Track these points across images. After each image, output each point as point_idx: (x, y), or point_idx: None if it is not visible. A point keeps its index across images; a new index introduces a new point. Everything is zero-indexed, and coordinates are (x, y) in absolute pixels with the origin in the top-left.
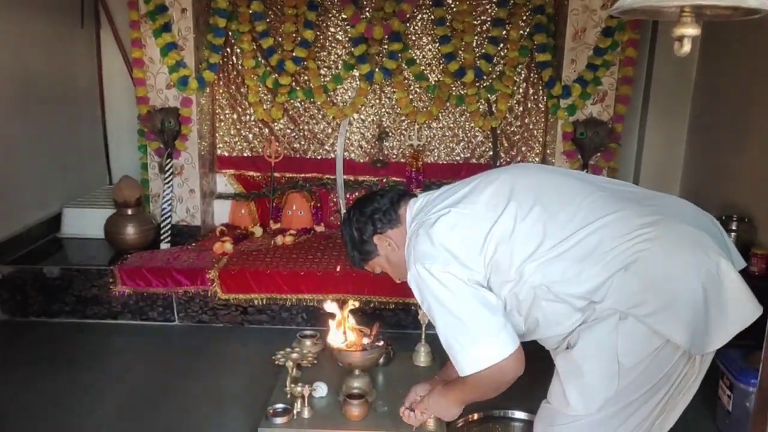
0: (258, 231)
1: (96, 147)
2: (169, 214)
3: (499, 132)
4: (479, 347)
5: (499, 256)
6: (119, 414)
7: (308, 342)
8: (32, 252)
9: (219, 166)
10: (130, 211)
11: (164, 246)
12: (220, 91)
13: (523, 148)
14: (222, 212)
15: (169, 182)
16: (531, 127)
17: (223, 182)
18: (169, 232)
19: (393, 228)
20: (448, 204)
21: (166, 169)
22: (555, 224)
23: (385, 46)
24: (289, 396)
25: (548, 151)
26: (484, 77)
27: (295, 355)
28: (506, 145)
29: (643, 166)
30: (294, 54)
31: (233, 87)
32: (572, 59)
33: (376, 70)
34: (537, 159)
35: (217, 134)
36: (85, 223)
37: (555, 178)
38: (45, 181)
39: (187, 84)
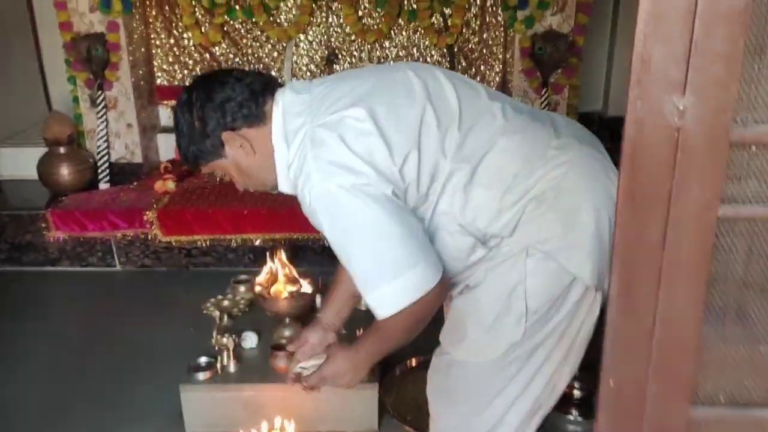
0: None
1: (31, 79)
2: (105, 151)
3: (456, 50)
4: (405, 276)
5: (419, 166)
6: (49, 367)
7: (242, 288)
8: None
9: (159, 97)
10: (62, 150)
11: (103, 186)
12: (153, 13)
13: (482, 67)
14: (168, 147)
15: (102, 117)
16: (490, 43)
17: (167, 114)
18: (108, 171)
19: (253, 126)
20: (354, 100)
21: (98, 102)
22: (471, 137)
23: None
24: (217, 348)
25: (508, 69)
26: None
27: (226, 303)
28: (464, 64)
29: (613, 83)
30: None
31: (167, 8)
32: None
33: None
34: (498, 78)
35: (154, 62)
36: (22, 163)
37: (463, 84)
38: None
39: (110, 6)
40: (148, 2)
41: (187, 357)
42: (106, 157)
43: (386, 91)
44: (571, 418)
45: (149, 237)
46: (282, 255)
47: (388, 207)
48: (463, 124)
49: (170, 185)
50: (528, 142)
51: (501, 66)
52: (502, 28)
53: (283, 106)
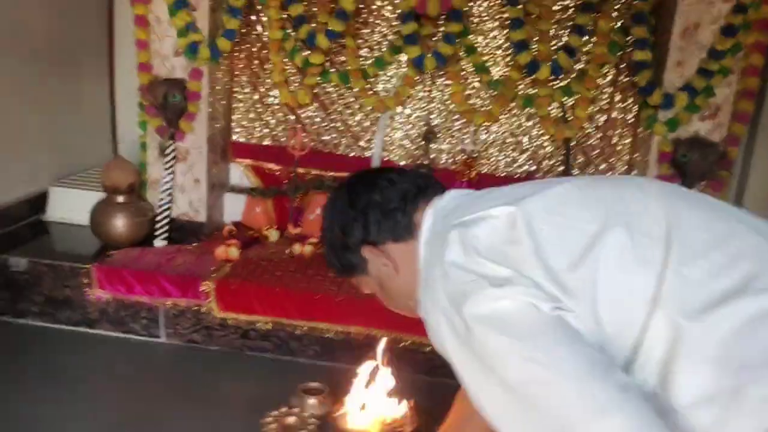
0: (273, 235)
1: (100, 118)
2: (167, 205)
3: (573, 143)
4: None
5: (591, 306)
6: None
7: (311, 400)
8: (6, 235)
9: (234, 155)
10: (120, 199)
11: (159, 243)
12: (241, 65)
13: (603, 166)
14: (234, 209)
15: (169, 168)
16: (614, 141)
17: (239, 174)
18: (167, 227)
19: (398, 241)
20: (510, 200)
21: (167, 152)
22: (689, 283)
23: (442, 27)
24: None
25: (635, 172)
26: (562, 75)
27: (291, 420)
28: (581, 160)
29: (746, 198)
30: (328, 27)
31: (256, 62)
32: (678, 61)
33: (428, 55)
34: None
35: (233, 116)
36: (73, 206)
37: (697, 206)
38: (35, 153)
39: (197, 52)
40: (237, 54)
41: None
42: (167, 212)
43: (558, 196)
44: None
45: (202, 310)
46: (379, 360)
47: (544, 327)
48: (676, 262)
49: (233, 252)
50: None
51: (625, 167)
52: (630, 127)
53: (435, 212)
